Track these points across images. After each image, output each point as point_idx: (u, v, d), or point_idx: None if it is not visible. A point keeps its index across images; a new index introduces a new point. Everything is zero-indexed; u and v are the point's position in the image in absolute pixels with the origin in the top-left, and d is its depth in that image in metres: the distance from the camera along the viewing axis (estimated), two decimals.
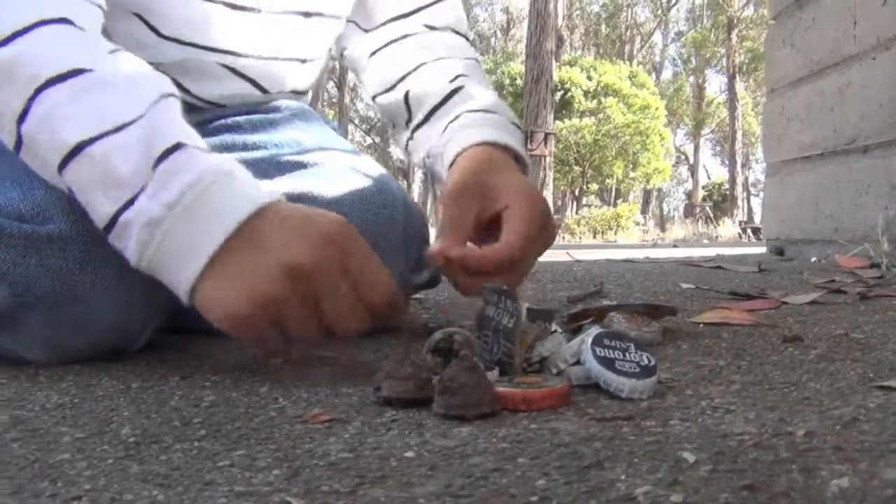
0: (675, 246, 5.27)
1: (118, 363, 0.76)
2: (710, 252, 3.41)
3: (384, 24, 1.04)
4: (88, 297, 0.72)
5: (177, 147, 0.63)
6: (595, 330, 0.63)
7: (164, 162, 0.62)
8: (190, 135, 0.66)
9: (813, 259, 2.11)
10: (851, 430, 0.48)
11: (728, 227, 9.73)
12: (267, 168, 0.94)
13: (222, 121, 1.01)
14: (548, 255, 2.91)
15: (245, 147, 0.99)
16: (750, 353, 0.76)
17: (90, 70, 0.65)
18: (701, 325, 0.96)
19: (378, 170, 1.00)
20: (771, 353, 0.76)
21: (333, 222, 0.63)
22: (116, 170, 0.61)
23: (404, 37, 1.03)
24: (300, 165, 0.95)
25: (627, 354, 0.61)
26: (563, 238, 11.79)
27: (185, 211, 0.61)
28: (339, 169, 0.95)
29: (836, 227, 2.09)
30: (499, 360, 0.63)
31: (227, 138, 1.00)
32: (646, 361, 0.60)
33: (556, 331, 0.68)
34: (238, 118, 1.01)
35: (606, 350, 0.61)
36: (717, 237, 8.66)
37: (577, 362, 0.62)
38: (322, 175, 0.92)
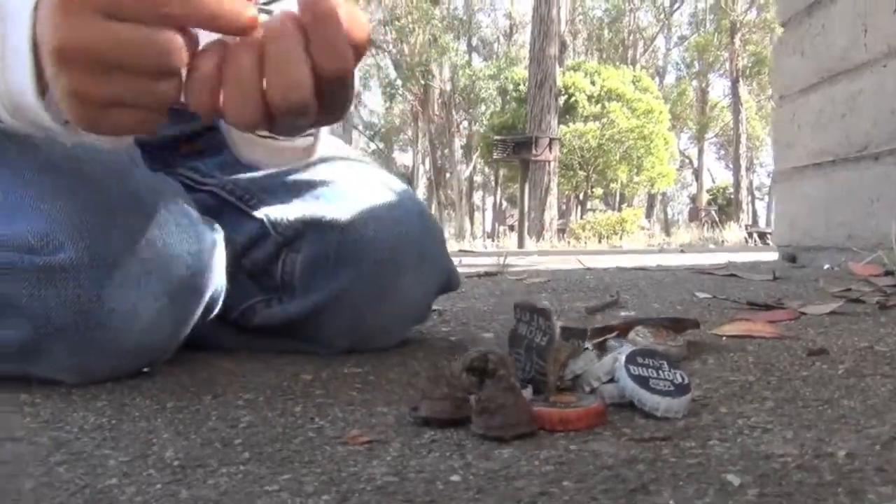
0: (682, 251, 5.27)
1: (149, 381, 0.76)
2: (719, 257, 3.41)
3: None
4: (109, 323, 0.72)
5: None
6: (627, 347, 0.64)
7: None
8: None
9: (826, 266, 2.11)
10: (891, 450, 0.48)
11: (734, 232, 9.72)
12: (276, 189, 0.92)
13: (209, 139, 0.98)
14: (559, 263, 2.89)
15: (249, 168, 0.96)
16: (778, 369, 0.76)
17: None
18: (724, 338, 0.96)
19: (391, 181, 0.98)
20: (799, 367, 0.77)
21: None
22: None
23: None
24: (310, 185, 0.93)
25: (661, 372, 0.61)
26: (569, 243, 11.78)
27: None
28: (350, 187, 0.93)
29: (848, 234, 2.09)
30: (532, 378, 0.63)
31: (228, 157, 0.98)
32: (679, 379, 0.61)
33: (587, 348, 0.68)
34: None
35: (640, 368, 0.61)
36: (723, 242, 8.65)
37: (611, 380, 0.63)
38: (333, 196, 0.91)
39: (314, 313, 0.88)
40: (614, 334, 0.90)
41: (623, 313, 1.28)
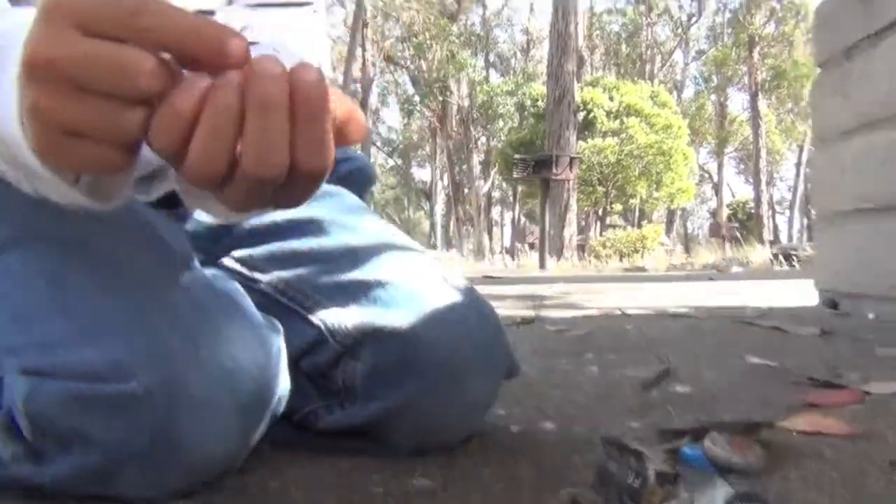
0: (710, 278, 5.22)
1: (219, 493, 0.75)
2: (751, 290, 3.38)
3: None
4: (179, 443, 0.70)
5: None
6: (723, 489, 0.62)
7: None
8: None
9: (870, 316, 2.08)
10: None
11: (759, 252, 9.62)
12: (331, 290, 0.88)
13: (254, 222, 0.95)
14: (597, 306, 2.86)
15: (296, 260, 0.92)
16: (865, 487, 0.74)
17: None
18: (795, 433, 0.94)
19: (447, 275, 0.95)
20: (885, 484, 0.74)
21: None
22: None
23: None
24: (366, 287, 0.88)
25: None
26: (590, 262, 11.74)
27: None
28: (409, 289, 0.88)
29: (892, 283, 2.06)
30: None
31: (274, 248, 0.95)
32: None
33: (676, 474, 0.66)
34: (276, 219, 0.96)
35: None
36: (748, 262, 8.57)
37: None
38: (392, 301, 0.86)
39: (378, 420, 0.86)
40: (685, 438, 0.88)
41: (679, 388, 1.26)
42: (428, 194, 30.89)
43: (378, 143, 30.72)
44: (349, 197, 1.05)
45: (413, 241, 1.01)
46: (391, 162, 31.33)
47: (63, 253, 0.74)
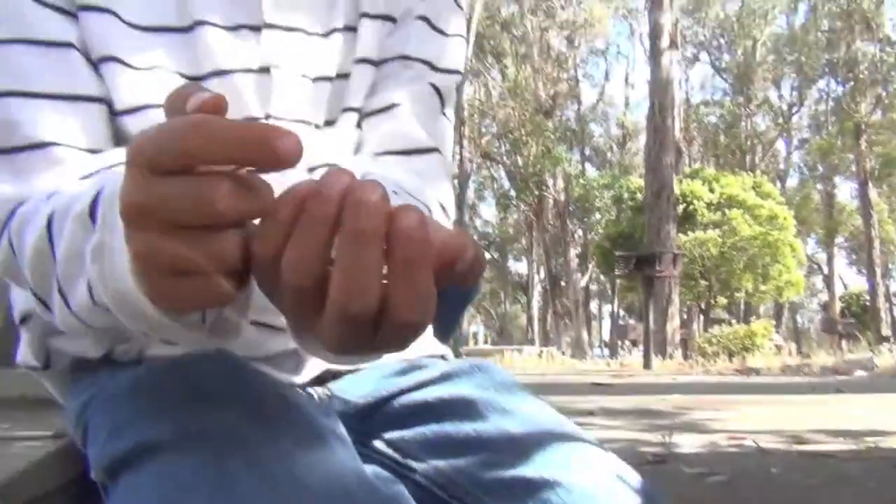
0: (838, 390, 4.90)
1: None
2: (882, 402, 3.14)
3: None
4: None
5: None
6: None
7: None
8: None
9: None
10: None
11: (886, 357, 8.98)
12: (492, 486, 0.81)
13: (404, 400, 0.90)
14: (723, 430, 2.71)
15: (452, 448, 0.86)
16: None
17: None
18: None
19: (620, 470, 0.88)
20: None
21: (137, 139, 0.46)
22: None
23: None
24: (532, 486, 0.81)
25: None
26: (697, 361, 11.33)
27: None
28: (583, 490, 0.82)
29: None
30: None
31: (427, 432, 0.88)
32: None
33: None
34: (425, 394, 0.92)
35: None
36: (873, 368, 8.04)
37: None
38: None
39: None
40: None
41: None
42: (524, 288, 30.82)
43: (475, 238, 31.07)
44: (499, 373, 1.01)
45: (575, 426, 0.95)
46: (488, 256, 31.58)
47: (224, 455, 0.72)
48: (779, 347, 14.64)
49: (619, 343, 21.60)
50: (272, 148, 0.42)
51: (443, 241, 0.43)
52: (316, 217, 0.43)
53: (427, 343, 0.92)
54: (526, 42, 27.15)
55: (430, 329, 0.86)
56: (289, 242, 0.43)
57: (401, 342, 0.46)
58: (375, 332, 0.44)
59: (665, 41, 18.70)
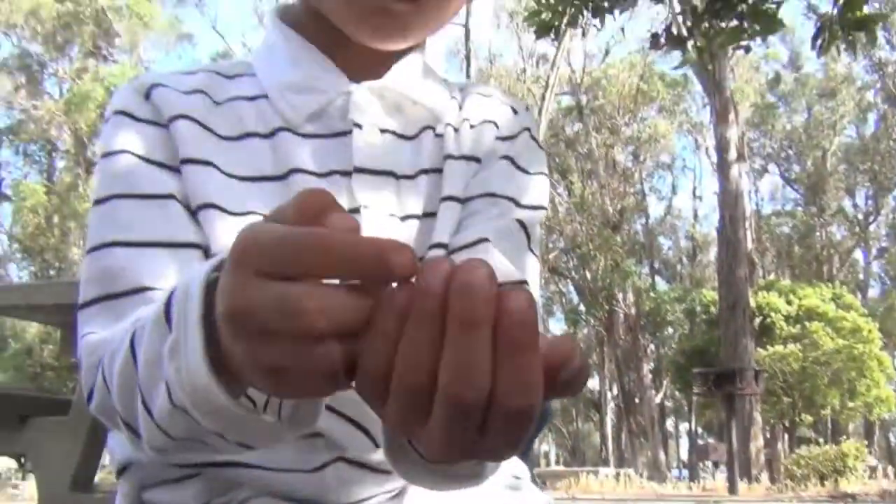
0: None
1: None
2: None
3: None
4: None
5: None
6: None
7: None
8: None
9: None
10: None
11: None
12: None
13: None
14: None
15: None
16: None
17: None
18: None
19: None
20: None
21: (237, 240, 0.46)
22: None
23: None
24: None
25: None
26: (786, 485, 10.70)
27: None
28: None
29: None
30: None
31: None
32: None
33: None
34: None
35: None
36: None
37: None
38: None
39: None
40: None
41: None
42: (597, 405, 30.02)
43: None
44: None
45: None
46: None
47: None
48: (873, 469, 13.78)
49: (700, 464, 20.64)
50: (386, 263, 0.41)
51: (549, 344, 0.41)
52: (423, 318, 0.41)
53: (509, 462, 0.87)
54: (591, 158, 27.51)
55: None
56: (399, 351, 0.41)
57: (507, 441, 0.43)
58: (482, 433, 0.42)
59: (732, 154, 18.70)
